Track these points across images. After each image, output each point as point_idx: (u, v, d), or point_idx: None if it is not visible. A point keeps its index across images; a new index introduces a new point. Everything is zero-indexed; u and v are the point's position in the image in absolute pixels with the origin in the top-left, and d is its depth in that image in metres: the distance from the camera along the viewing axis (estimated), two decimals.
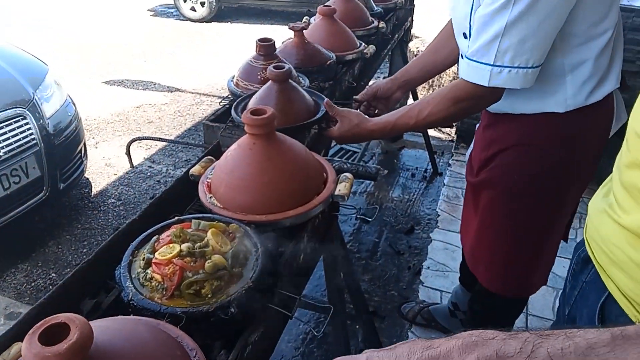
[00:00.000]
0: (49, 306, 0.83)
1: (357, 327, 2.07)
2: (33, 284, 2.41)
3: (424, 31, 5.39)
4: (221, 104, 1.52)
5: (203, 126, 1.38)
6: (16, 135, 2.38)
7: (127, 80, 5.08)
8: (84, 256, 2.61)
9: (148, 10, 8.04)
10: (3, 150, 2.30)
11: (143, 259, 0.89)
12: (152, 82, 5.05)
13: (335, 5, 1.93)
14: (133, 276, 0.88)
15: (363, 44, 1.93)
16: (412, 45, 4.28)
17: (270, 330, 0.90)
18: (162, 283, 0.85)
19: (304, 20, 2.15)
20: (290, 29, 1.66)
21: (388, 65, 3.43)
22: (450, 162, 3.48)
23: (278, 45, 1.60)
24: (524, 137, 1.29)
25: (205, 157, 1.19)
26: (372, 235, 2.79)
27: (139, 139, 1.45)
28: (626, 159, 0.70)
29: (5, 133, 2.33)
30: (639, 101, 0.68)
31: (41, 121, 2.53)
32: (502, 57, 1.09)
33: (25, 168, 2.41)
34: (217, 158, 1.20)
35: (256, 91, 1.37)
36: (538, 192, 1.33)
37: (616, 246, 0.70)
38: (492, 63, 1.10)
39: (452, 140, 3.80)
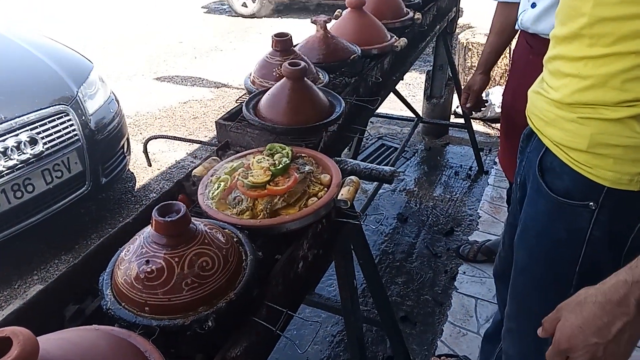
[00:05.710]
0: (29, 311, 0.82)
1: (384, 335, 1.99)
2: None
3: (478, 20, 5.15)
4: (237, 102, 1.48)
5: (216, 124, 1.35)
6: (59, 131, 2.46)
7: (177, 76, 5.19)
8: None
9: (202, 7, 8.20)
10: (46, 146, 2.38)
11: None
12: (200, 78, 5.13)
13: None
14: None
15: (394, 37, 1.83)
16: (462, 37, 4.08)
17: (256, 346, 0.84)
18: None
19: (336, 13, 2.07)
20: (312, 22, 1.59)
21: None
22: (497, 160, 3.29)
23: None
24: None
25: (210, 158, 1.14)
26: (409, 236, 2.68)
27: (155, 137, 1.43)
28: (550, 52, 0.97)
29: (48, 129, 2.41)
30: None
31: (83, 118, 2.60)
32: None
33: (68, 163, 2.49)
34: (225, 158, 1.16)
35: (269, 88, 1.31)
36: None
37: (548, 110, 0.96)
38: None
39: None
